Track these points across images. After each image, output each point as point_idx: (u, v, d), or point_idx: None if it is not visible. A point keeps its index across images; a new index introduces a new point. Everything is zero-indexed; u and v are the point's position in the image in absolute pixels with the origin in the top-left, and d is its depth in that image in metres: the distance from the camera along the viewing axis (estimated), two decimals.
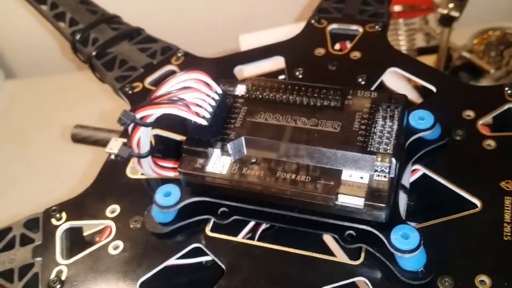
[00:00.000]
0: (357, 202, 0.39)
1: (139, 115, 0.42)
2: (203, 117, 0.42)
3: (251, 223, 0.46)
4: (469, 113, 0.49)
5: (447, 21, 0.97)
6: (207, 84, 0.43)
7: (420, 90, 0.94)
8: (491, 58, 1.08)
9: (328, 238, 0.46)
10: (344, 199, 0.39)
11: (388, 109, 0.43)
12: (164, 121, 0.44)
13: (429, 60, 1.09)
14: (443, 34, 1.01)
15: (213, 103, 0.43)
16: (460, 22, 0.96)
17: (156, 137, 0.54)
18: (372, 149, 0.40)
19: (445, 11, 0.95)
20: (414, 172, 0.47)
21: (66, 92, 1.20)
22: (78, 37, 0.65)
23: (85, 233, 0.55)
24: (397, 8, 1.01)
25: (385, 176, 0.40)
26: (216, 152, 0.43)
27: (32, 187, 0.97)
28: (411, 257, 0.38)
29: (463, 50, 1.08)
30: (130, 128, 0.44)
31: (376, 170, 0.40)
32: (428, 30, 1.09)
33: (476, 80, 1.07)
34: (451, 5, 0.95)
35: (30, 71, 1.36)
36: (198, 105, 0.42)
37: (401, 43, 1.07)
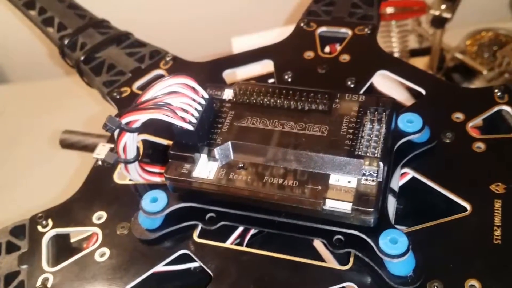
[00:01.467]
0: (345, 206, 0.39)
1: (124, 120, 0.42)
2: (189, 122, 0.42)
3: (240, 229, 0.46)
4: (459, 116, 0.49)
5: (439, 22, 0.97)
6: (193, 89, 0.42)
7: (414, 91, 0.94)
8: (484, 59, 1.08)
9: (318, 243, 0.45)
10: (331, 204, 0.39)
11: (376, 112, 0.42)
12: (153, 126, 0.43)
13: (422, 61, 1.09)
14: (435, 35, 1.01)
15: (199, 108, 0.42)
16: (453, 23, 0.96)
17: (145, 141, 0.53)
18: (359, 153, 0.40)
19: (437, 13, 0.95)
20: (403, 176, 0.47)
21: (56, 97, 1.19)
22: (66, 41, 0.64)
23: (72, 240, 0.54)
24: (389, 10, 1.01)
25: (373, 180, 0.39)
26: (203, 157, 0.43)
27: (20, 193, 0.96)
28: (399, 262, 0.38)
29: (456, 51, 1.08)
30: (116, 133, 0.43)
31: (364, 174, 0.40)
32: (421, 31, 1.09)
33: (469, 81, 1.07)
34: (443, 7, 0.95)
35: (21, 76, 1.35)
36: (184, 110, 0.42)
37: (394, 45, 1.07)
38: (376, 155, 0.40)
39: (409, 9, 1.04)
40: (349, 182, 0.40)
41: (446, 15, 0.95)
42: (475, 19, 1.13)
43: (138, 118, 0.41)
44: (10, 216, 0.50)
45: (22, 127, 1.15)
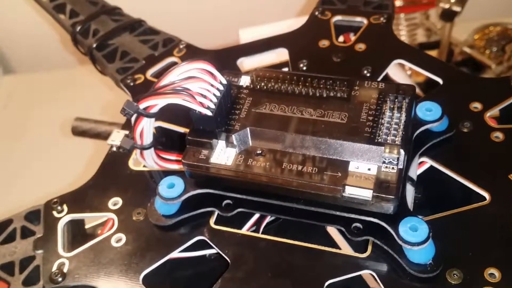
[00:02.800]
0: (365, 193, 0.38)
1: (142, 105, 0.41)
2: (208, 108, 0.41)
3: (256, 216, 0.45)
4: (477, 105, 0.49)
5: (448, 16, 0.96)
6: (212, 74, 0.42)
7: (422, 86, 0.94)
8: (492, 53, 1.08)
9: (332, 231, 0.45)
10: (351, 191, 0.39)
11: (396, 100, 0.42)
12: (166, 113, 0.43)
13: None
14: (444, 29, 1.00)
15: (218, 94, 0.42)
16: (461, 17, 0.96)
17: (158, 129, 0.53)
18: (380, 140, 0.40)
19: (446, 6, 0.95)
20: (421, 165, 0.47)
21: (64, 86, 1.20)
22: (78, 28, 0.64)
23: (87, 226, 0.54)
24: (398, 2, 1.01)
25: (393, 168, 0.39)
26: (220, 143, 0.42)
27: (33, 181, 0.97)
28: (419, 250, 0.38)
29: (464, 45, 1.08)
30: (133, 118, 0.43)
31: (384, 162, 0.39)
32: (429, 25, 1.09)
33: (477, 75, 1.07)
34: (453, 0, 0.94)
35: (28, 66, 1.35)
36: (202, 95, 0.41)
37: (402, 38, 1.06)
38: (396, 142, 0.39)
39: (418, 2, 1.04)
40: (369, 169, 0.39)
41: (456, 8, 0.95)
42: (483, 14, 1.12)
43: (157, 102, 0.41)
44: (24, 203, 0.50)
45: (35, 116, 1.15)
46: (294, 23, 0.62)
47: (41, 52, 1.29)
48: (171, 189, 0.43)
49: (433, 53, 1.07)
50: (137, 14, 0.67)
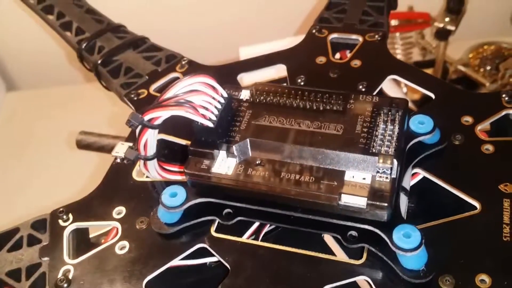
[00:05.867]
0: (360, 201, 0.40)
1: (147, 117, 0.43)
2: (210, 119, 0.43)
3: (255, 225, 0.47)
4: (468, 119, 0.50)
5: (443, 34, 0.98)
6: (213, 88, 0.44)
7: (417, 103, 0.96)
8: (487, 72, 1.09)
9: (328, 239, 0.47)
10: (347, 199, 0.40)
11: (389, 113, 0.44)
12: (168, 126, 0.45)
13: None
14: (439, 48, 1.02)
15: (219, 106, 0.44)
16: (456, 36, 0.98)
17: (160, 141, 0.54)
18: (374, 150, 0.41)
19: (441, 25, 0.97)
20: (415, 176, 0.48)
21: (68, 102, 1.22)
22: (84, 45, 0.66)
23: (90, 236, 0.55)
24: (393, 22, 1.03)
25: (386, 177, 0.41)
26: (221, 153, 0.44)
27: (39, 192, 0.98)
28: (412, 256, 0.39)
29: (459, 64, 1.10)
30: (137, 130, 0.45)
31: (378, 171, 0.41)
32: (424, 44, 1.11)
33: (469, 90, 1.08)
34: (447, 19, 0.97)
35: (31, 83, 1.37)
36: (204, 108, 0.43)
37: (398, 57, 1.08)
38: (390, 153, 0.41)
39: (413, 22, 1.06)
40: (364, 178, 0.41)
41: (450, 27, 0.97)
42: (477, 33, 1.15)
43: (161, 114, 0.43)
44: (30, 213, 0.51)
45: (39, 130, 1.17)
46: (293, 41, 0.64)
47: (45, 69, 1.32)
48: (174, 198, 0.45)
49: (428, 71, 1.08)
50: (142, 31, 0.69)
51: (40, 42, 1.18)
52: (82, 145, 0.69)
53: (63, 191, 0.69)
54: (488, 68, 1.09)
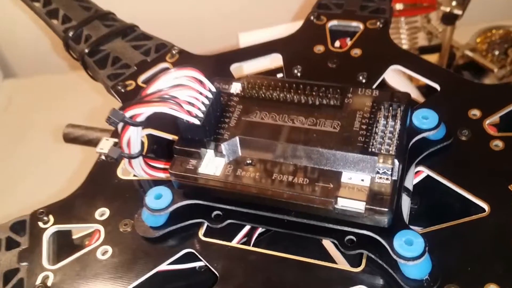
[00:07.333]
0: (358, 206, 0.37)
1: (128, 113, 0.40)
2: (196, 116, 0.40)
3: (247, 228, 0.44)
4: (475, 112, 0.47)
5: (450, 19, 0.95)
6: (200, 82, 0.41)
7: (423, 90, 0.93)
8: (495, 57, 1.06)
9: (327, 243, 0.44)
10: (344, 203, 0.37)
11: (390, 108, 0.41)
12: (158, 120, 0.42)
13: (431, 59, 1.07)
14: (445, 32, 0.99)
15: (207, 102, 0.41)
16: (463, 20, 0.95)
17: (149, 136, 0.52)
18: (373, 150, 0.38)
19: (448, 9, 0.94)
20: (418, 174, 0.45)
21: (62, 91, 1.18)
22: (70, 34, 0.63)
23: (74, 236, 0.52)
24: (398, 6, 0.99)
25: (387, 179, 0.38)
26: (209, 152, 0.41)
27: (22, 188, 0.95)
28: (415, 265, 0.36)
29: (466, 48, 1.07)
30: (119, 127, 0.42)
31: (378, 172, 0.38)
32: (430, 28, 1.07)
33: (480, 79, 1.06)
34: (454, 3, 0.93)
35: (29, 70, 1.35)
36: (190, 104, 0.40)
37: (403, 42, 1.05)
38: (390, 152, 0.38)
39: (419, 6, 1.03)
40: (362, 180, 0.38)
41: (457, 11, 0.94)
42: (485, 17, 1.11)
43: (143, 111, 0.40)
44: (11, 212, 0.49)
45: (27, 121, 1.14)
46: (294, 26, 0.60)
47: (43, 56, 1.29)
48: (159, 200, 0.42)
49: (434, 56, 1.06)
50: (133, 19, 0.65)
51: (39, 28, 1.14)
52: (69, 139, 0.66)
53: (48, 187, 0.67)
54: (496, 53, 1.07)
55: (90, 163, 0.51)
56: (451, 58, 1.06)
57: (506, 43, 1.07)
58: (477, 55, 1.06)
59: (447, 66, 1.05)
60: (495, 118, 0.47)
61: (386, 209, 0.36)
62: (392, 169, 0.37)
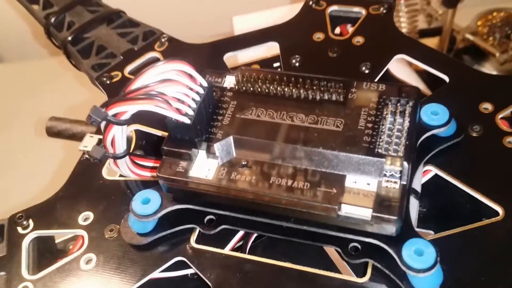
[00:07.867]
0: (364, 213, 0.34)
1: (111, 111, 0.37)
2: (186, 114, 0.37)
3: (241, 232, 0.41)
4: (487, 106, 0.44)
5: (451, 1, 0.92)
6: (190, 76, 0.37)
7: (423, 76, 0.90)
8: (496, 41, 1.03)
9: (331, 250, 0.41)
10: (348, 210, 0.34)
11: (398, 103, 0.37)
12: (146, 115, 0.38)
13: (431, 42, 1.04)
14: (446, 15, 0.96)
15: (197, 98, 0.37)
16: (464, 3, 0.92)
17: (138, 131, 0.48)
18: (380, 150, 0.35)
19: None
20: (425, 173, 0.42)
21: (46, 79, 1.13)
22: (52, 20, 0.59)
23: (57, 240, 0.49)
24: None
25: (395, 182, 0.35)
26: (201, 153, 0.38)
27: (2, 187, 0.91)
28: (425, 277, 0.33)
29: (467, 32, 1.03)
30: (102, 126, 0.38)
31: (385, 175, 0.35)
32: (430, 11, 1.04)
33: (480, 64, 1.03)
34: None
35: (15, 55, 1.30)
36: (179, 101, 0.37)
37: (402, 25, 1.02)
38: (399, 153, 0.35)
39: None
40: (368, 184, 0.35)
41: None
42: None
43: (127, 109, 0.36)
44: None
45: (9, 112, 1.09)
46: (293, 9, 0.57)
47: (27, 42, 1.24)
48: (146, 205, 0.38)
49: (434, 40, 1.03)
50: (121, 2, 0.61)
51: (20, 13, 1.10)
52: (52, 133, 0.63)
53: (28, 187, 0.63)
54: (498, 36, 1.04)
55: (74, 159, 0.48)
56: (452, 41, 1.03)
57: (507, 26, 1.04)
58: (478, 39, 1.03)
59: (448, 50, 1.02)
60: (508, 112, 0.44)
61: (395, 217, 0.33)
62: (401, 172, 0.34)
